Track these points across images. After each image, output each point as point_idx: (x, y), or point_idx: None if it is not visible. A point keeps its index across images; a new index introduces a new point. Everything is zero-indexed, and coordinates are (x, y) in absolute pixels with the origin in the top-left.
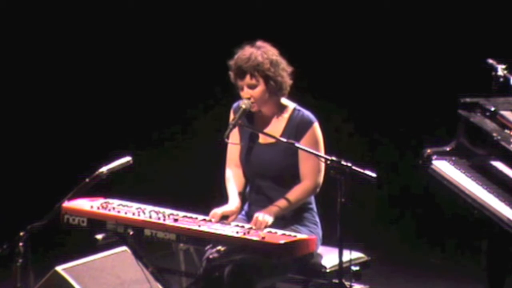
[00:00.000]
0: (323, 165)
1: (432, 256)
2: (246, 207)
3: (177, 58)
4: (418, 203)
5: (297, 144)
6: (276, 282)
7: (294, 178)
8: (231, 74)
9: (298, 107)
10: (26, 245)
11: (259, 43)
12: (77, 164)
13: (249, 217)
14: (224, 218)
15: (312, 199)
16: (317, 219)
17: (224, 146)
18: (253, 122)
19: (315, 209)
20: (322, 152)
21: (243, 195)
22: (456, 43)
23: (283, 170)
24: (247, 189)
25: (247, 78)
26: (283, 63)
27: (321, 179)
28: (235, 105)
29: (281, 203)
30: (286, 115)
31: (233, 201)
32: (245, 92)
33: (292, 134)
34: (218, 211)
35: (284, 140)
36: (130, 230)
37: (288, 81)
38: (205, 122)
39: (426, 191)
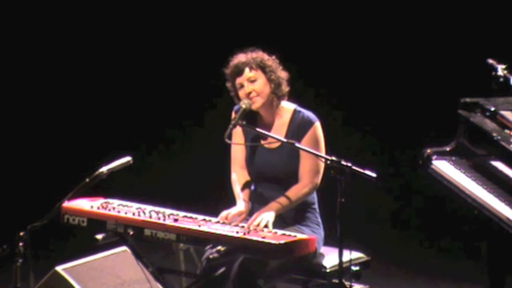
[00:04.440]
0: (322, 166)
1: (432, 256)
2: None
3: (180, 58)
4: (418, 203)
5: (297, 144)
6: (279, 282)
7: (297, 180)
8: (228, 82)
9: (299, 108)
10: (26, 245)
11: (255, 50)
12: (77, 164)
13: (251, 217)
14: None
15: (315, 199)
16: (320, 220)
17: (228, 146)
18: (256, 126)
19: (317, 209)
20: (323, 152)
21: (249, 196)
22: (456, 43)
23: (287, 173)
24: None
25: (246, 72)
26: (279, 67)
27: (319, 179)
28: (236, 106)
29: (281, 201)
30: (287, 117)
31: (241, 203)
32: (247, 87)
33: (294, 135)
34: (227, 213)
35: (284, 140)
36: (130, 230)
37: (285, 84)
38: (206, 122)
39: (426, 191)
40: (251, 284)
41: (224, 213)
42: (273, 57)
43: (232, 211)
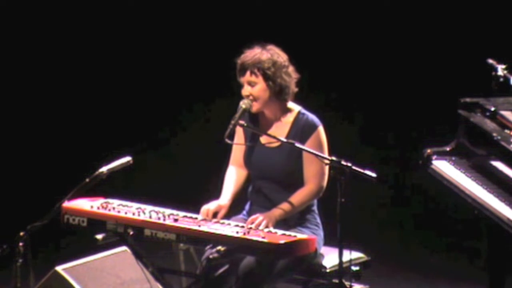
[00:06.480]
0: (327, 169)
1: (431, 256)
2: (247, 206)
3: (178, 58)
4: (418, 203)
5: (297, 144)
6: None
7: (296, 181)
8: (237, 72)
9: (303, 111)
10: (26, 245)
11: (269, 46)
12: (77, 164)
13: (250, 217)
14: (214, 215)
15: (314, 201)
16: (319, 221)
17: (227, 146)
18: (258, 124)
19: (316, 210)
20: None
21: (238, 194)
22: (456, 43)
23: (286, 173)
24: (249, 188)
25: (247, 74)
26: (289, 68)
27: (325, 182)
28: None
29: (285, 206)
30: (290, 118)
31: (224, 197)
32: (245, 89)
33: (296, 137)
34: (208, 207)
35: (284, 140)
36: (130, 230)
37: (292, 87)
38: (206, 122)
39: (426, 191)
40: (257, 285)
41: (204, 208)
42: (284, 58)
43: (213, 205)
